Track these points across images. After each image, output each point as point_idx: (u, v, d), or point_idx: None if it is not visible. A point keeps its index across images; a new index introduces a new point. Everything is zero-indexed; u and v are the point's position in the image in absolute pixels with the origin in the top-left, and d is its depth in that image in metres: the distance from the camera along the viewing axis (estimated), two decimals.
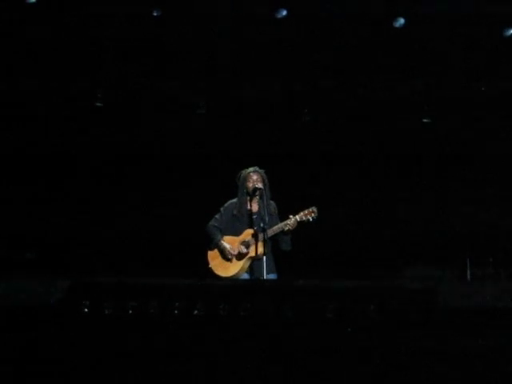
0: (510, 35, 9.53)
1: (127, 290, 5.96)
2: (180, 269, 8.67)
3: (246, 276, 7.40)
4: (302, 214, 7.34)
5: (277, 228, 7.33)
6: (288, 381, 5.67)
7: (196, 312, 5.86)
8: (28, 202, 10.52)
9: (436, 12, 9.40)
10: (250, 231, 7.38)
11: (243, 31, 9.70)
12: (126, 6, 9.54)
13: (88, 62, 10.06)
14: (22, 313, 5.94)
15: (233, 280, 7.24)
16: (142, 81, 10.42)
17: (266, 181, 7.51)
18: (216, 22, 9.67)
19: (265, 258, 7.19)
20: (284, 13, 9.39)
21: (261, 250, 7.21)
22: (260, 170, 7.55)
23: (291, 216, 7.33)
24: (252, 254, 7.31)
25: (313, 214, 7.32)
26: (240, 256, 7.40)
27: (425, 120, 10.67)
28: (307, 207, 7.34)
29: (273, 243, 7.43)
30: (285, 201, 7.63)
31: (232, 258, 7.40)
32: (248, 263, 7.39)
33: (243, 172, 7.57)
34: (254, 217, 7.45)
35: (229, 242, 7.44)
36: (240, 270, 7.37)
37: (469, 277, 9.75)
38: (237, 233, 7.48)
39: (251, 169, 7.55)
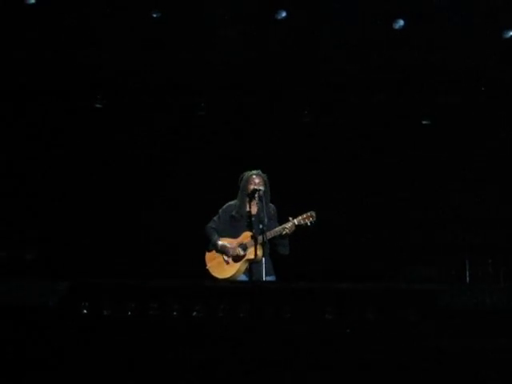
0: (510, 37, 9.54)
1: (126, 291, 5.96)
2: (179, 270, 8.68)
3: (243, 278, 7.40)
4: (300, 217, 7.33)
5: (275, 231, 7.33)
6: (287, 382, 5.66)
7: (195, 313, 5.86)
8: (27, 203, 10.51)
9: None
10: (249, 234, 7.38)
11: (244, 31, 9.70)
12: (126, 7, 9.55)
13: (87, 63, 10.06)
14: (20, 314, 5.94)
15: (232, 282, 7.23)
16: (143, 81, 10.42)
17: (268, 184, 7.50)
18: (216, 22, 9.67)
19: (264, 260, 7.20)
20: (284, 14, 9.40)
21: (259, 252, 7.22)
22: (263, 174, 7.55)
23: (290, 219, 7.33)
24: (250, 256, 7.31)
25: (311, 219, 7.31)
26: (237, 258, 7.40)
27: (424, 122, 10.68)
28: (305, 211, 7.34)
29: (271, 246, 7.43)
30: (285, 203, 7.63)
31: (229, 259, 7.40)
32: (245, 265, 7.38)
33: (245, 174, 7.58)
34: (253, 219, 7.44)
35: (226, 244, 7.44)
36: (236, 272, 7.37)
37: (468, 277, 9.76)
38: (235, 235, 7.49)
39: (254, 171, 7.56)
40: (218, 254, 7.46)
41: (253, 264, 7.33)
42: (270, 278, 7.33)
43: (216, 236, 7.47)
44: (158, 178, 10.72)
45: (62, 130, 10.63)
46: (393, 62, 10.03)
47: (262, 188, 7.40)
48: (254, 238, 7.29)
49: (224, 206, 7.63)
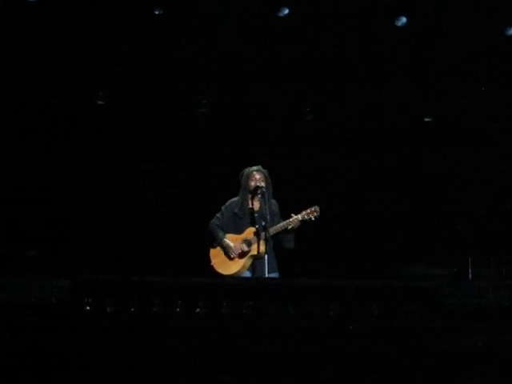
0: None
1: (129, 287, 5.95)
2: (182, 266, 8.68)
3: (247, 274, 7.39)
4: (304, 213, 7.34)
5: (279, 227, 7.32)
6: (290, 379, 5.66)
7: (198, 310, 5.85)
8: (29, 200, 10.51)
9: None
10: (253, 229, 7.36)
11: (245, 29, 9.69)
12: (127, 3, 9.55)
13: (89, 61, 10.06)
14: (23, 311, 5.94)
15: (235, 278, 7.22)
16: (144, 79, 10.42)
17: (269, 180, 7.50)
18: (218, 20, 9.66)
19: (266, 256, 7.19)
20: (286, 11, 9.40)
21: (262, 248, 7.22)
22: (263, 170, 7.54)
23: (293, 215, 7.33)
24: (254, 252, 7.30)
25: (315, 213, 7.32)
26: (242, 254, 7.40)
27: (426, 119, 10.67)
28: (309, 206, 7.34)
29: (275, 242, 7.43)
30: (287, 200, 7.63)
31: (234, 256, 7.40)
32: (249, 262, 7.38)
33: (246, 170, 7.56)
34: (256, 215, 7.44)
35: (231, 240, 7.44)
36: (241, 269, 7.36)
37: (470, 276, 9.76)
38: (238, 231, 7.47)
39: (254, 167, 7.54)
40: (222, 251, 7.45)
41: (256, 261, 7.33)
42: (273, 275, 7.32)
43: (221, 233, 7.47)
44: (160, 174, 10.71)
45: (63, 127, 10.62)
46: (395, 59, 10.02)
47: (263, 184, 7.39)
48: (257, 233, 7.27)
49: (227, 203, 7.62)
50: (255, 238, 7.30)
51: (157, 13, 9.50)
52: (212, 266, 7.43)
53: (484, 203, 10.63)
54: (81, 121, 10.61)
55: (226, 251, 7.41)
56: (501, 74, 10.18)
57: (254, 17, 9.65)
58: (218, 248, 7.47)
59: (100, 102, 10.46)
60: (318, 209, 7.34)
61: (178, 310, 5.86)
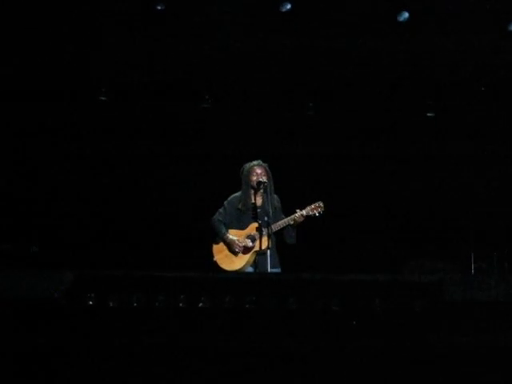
0: None
1: (132, 282, 5.96)
2: (185, 262, 8.68)
3: (249, 270, 7.40)
4: (308, 208, 7.34)
5: (283, 222, 7.33)
6: (292, 373, 5.66)
7: (201, 305, 5.86)
8: (31, 195, 10.52)
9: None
10: (256, 225, 7.37)
11: (248, 23, 9.68)
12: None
13: (91, 56, 10.05)
14: (26, 306, 5.94)
15: (238, 273, 7.24)
16: (147, 73, 10.41)
17: (270, 174, 7.50)
18: (219, 15, 9.65)
19: (269, 252, 7.21)
20: (288, 6, 9.38)
21: (265, 244, 7.22)
22: (264, 164, 7.54)
23: (298, 210, 7.33)
24: (257, 248, 7.30)
25: (319, 209, 7.33)
26: (246, 250, 7.39)
27: (429, 114, 10.65)
28: (313, 202, 7.34)
29: (277, 237, 7.43)
30: (289, 195, 7.62)
31: (239, 251, 7.39)
32: (253, 257, 7.38)
33: (247, 165, 7.56)
34: (259, 210, 7.44)
35: (235, 236, 7.44)
36: (246, 264, 7.37)
37: (473, 270, 9.75)
38: (241, 226, 7.48)
39: (255, 162, 7.54)
40: (225, 247, 7.45)
41: (258, 256, 7.34)
42: (275, 271, 7.32)
43: (224, 229, 7.46)
44: (162, 169, 10.71)
45: (66, 123, 10.61)
46: (397, 54, 10.00)
47: (264, 178, 7.40)
48: (259, 229, 7.26)
49: (229, 198, 7.62)
50: (258, 234, 7.29)
51: (159, 8, 9.48)
52: (215, 262, 7.43)
53: (487, 198, 10.61)
54: (83, 116, 10.59)
55: (231, 246, 7.40)
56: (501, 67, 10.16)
57: (257, 11, 9.63)
58: (221, 243, 7.47)
59: (102, 98, 10.45)
60: (321, 204, 7.34)
61: (180, 304, 5.86)
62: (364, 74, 10.36)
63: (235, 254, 7.40)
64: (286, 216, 7.39)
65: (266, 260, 7.18)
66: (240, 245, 7.37)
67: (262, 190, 7.43)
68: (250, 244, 7.37)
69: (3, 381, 5.53)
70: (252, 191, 7.49)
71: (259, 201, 7.51)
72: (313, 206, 7.34)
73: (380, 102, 10.64)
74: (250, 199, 7.48)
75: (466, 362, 5.76)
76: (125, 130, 10.73)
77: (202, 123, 10.66)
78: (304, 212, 7.31)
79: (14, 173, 10.54)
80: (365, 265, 9.58)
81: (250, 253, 7.38)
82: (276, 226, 7.28)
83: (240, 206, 7.50)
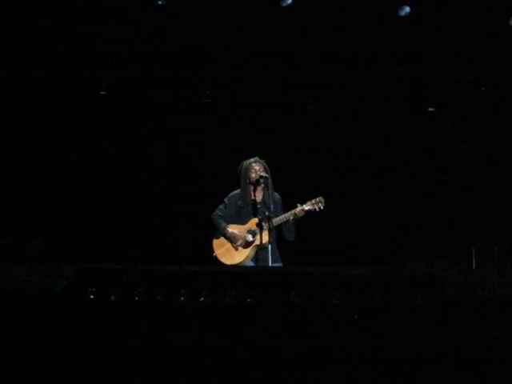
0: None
1: (133, 276, 5.95)
2: (186, 257, 8.68)
3: (251, 264, 7.40)
4: (309, 203, 7.33)
5: (283, 217, 7.32)
6: (294, 368, 5.66)
7: (202, 299, 5.85)
8: (32, 190, 10.51)
9: None
10: (256, 220, 7.36)
11: (249, 19, 9.67)
12: None
13: (92, 50, 10.05)
14: (27, 300, 5.94)
15: (240, 267, 7.23)
16: (147, 70, 10.41)
17: (268, 170, 7.50)
18: (220, 10, 9.64)
19: (270, 246, 7.20)
20: (289, 1, 9.37)
21: (266, 238, 7.22)
22: (261, 160, 7.55)
23: (298, 205, 7.32)
24: (258, 242, 7.30)
25: (320, 204, 7.31)
26: (246, 244, 7.39)
27: (430, 109, 10.64)
28: (314, 197, 7.34)
29: (278, 232, 7.43)
30: (289, 191, 7.62)
31: (239, 245, 7.39)
32: (254, 251, 7.38)
33: (245, 163, 7.57)
34: (259, 206, 7.44)
35: (235, 231, 7.44)
36: (246, 258, 7.37)
37: (474, 266, 9.75)
38: (242, 222, 7.48)
39: (253, 159, 7.56)
40: (226, 241, 7.45)
41: (259, 251, 7.34)
42: (276, 265, 7.32)
43: (224, 223, 7.47)
44: (164, 164, 10.71)
45: (66, 118, 10.61)
46: (397, 49, 10.00)
47: (265, 174, 7.39)
48: (260, 223, 7.26)
49: (229, 195, 7.63)
50: (259, 228, 7.29)
51: (160, 3, 9.46)
52: (215, 257, 7.43)
53: (488, 193, 10.61)
54: (83, 111, 10.59)
55: (232, 240, 7.41)
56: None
57: (258, 7, 9.62)
58: (221, 238, 7.47)
59: (103, 93, 10.44)
60: (322, 199, 7.33)
61: (182, 298, 5.86)
62: (365, 69, 10.37)
63: (235, 248, 7.40)
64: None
65: (268, 255, 7.17)
66: (240, 239, 7.37)
67: (262, 185, 7.43)
68: (251, 238, 7.37)
69: (4, 375, 5.52)
70: (251, 187, 7.48)
71: (259, 196, 7.51)
72: (313, 201, 7.32)
73: (381, 98, 10.65)
74: (250, 196, 7.48)
75: (467, 356, 5.74)
76: (125, 124, 10.72)
77: (203, 118, 10.66)
78: (305, 206, 7.30)
79: (15, 167, 10.53)
80: (366, 259, 9.58)
81: (251, 247, 7.38)
82: (276, 221, 7.27)
83: (240, 203, 7.50)
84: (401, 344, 5.78)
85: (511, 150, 10.68)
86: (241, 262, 7.35)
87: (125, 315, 5.85)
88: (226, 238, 7.44)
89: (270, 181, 7.42)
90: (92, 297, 5.87)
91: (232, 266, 7.29)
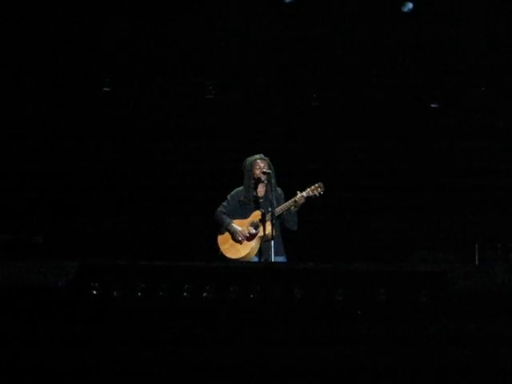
0: None
1: (136, 272, 5.95)
2: (190, 251, 8.70)
3: (255, 259, 7.43)
4: (308, 189, 7.38)
5: (284, 206, 7.37)
6: (297, 363, 5.66)
7: (205, 294, 5.85)
8: (34, 186, 10.51)
9: None
10: (258, 213, 7.43)
11: (251, 15, 9.67)
12: None
13: (94, 46, 10.05)
14: (30, 295, 5.94)
15: (243, 262, 7.26)
16: (149, 67, 10.40)
17: (272, 168, 7.53)
18: (223, 7, 9.65)
19: (272, 241, 7.22)
20: None
21: (269, 229, 7.26)
22: (266, 158, 7.57)
23: (298, 192, 7.35)
24: (261, 233, 7.36)
25: (319, 189, 7.36)
26: (250, 237, 7.41)
27: (433, 105, 10.63)
28: (313, 183, 7.36)
29: (281, 225, 7.45)
30: (291, 186, 7.63)
31: (243, 239, 7.40)
32: (258, 244, 7.42)
33: (249, 159, 7.61)
34: (261, 201, 7.48)
35: (238, 225, 7.48)
36: (251, 251, 7.40)
37: (477, 261, 9.74)
38: (245, 217, 7.53)
39: (257, 156, 7.60)
40: (230, 236, 7.48)
41: (263, 244, 7.39)
42: (279, 259, 7.38)
43: (228, 219, 7.52)
44: (166, 161, 10.71)
45: (69, 113, 10.61)
46: (401, 44, 10.00)
47: (267, 170, 7.43)
48: (262, 215, 7.32)
49: (232, 192, 7.68)
50: (261, 221, 7.32)
51: None
52: (221, 253, 7.46)
53: (490, 189, 10.60)
54: (86, 107, 10.59)
55: (234, 235, 7.43)
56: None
57: (260, 3, 9.62)
58: (226, 234, 7.51)
59: (106, 89, 10.43)
60: (322, 185, 7.37)
61: (184, 294, 5.86)
62: (366, 66, 10.37)
63: (239, 242, 7.41)
64: None
65: (271, 248, 7.20)
66: (243, 232, 7.40)
67: (265, 181, 7.46)
68: (254, 231, 7.41)
69: (5, 370, 5.53)
70: (254, 184, 7.52)
71: (262, 192, 7.58)
72: (313, 187, 7.37)
73: (382, 93, 10.64)
74: (252, 192, 7.53)
75: (470, 351, 5.74)
76: (127, 120, 10.71)
77: (206, 114, 10.65)
78: (304, 193, 7.35)
79: (17, 163, 10.54)
80: (370, 255, 9.58)
81: (255, 239, 7.41)
82: (278, 211, 7.33)
83: (242, 199, 7.54)
84: (404, 339, 5.78)
85: None
86: (246, 255, 7.38)
87: (127, 311, 5.85)
88: (231, 232, 7.47)
89: (272, 176, 7.43)
90: (95, 292, 5.87)
91: (235, 261, 7.33)
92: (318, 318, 5.82)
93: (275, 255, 7.21)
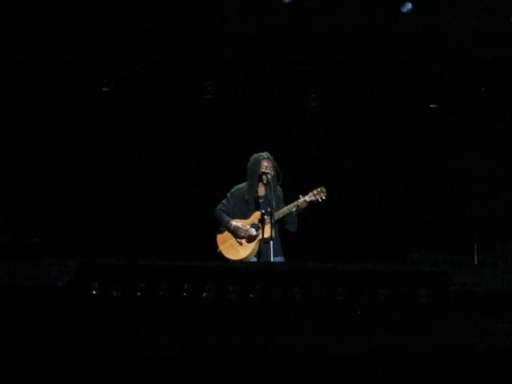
0: None
1: (136, 271, 5.95)
2: (189, 251, 8.68)
3: (253, 259, 7.39)
4: (311, 194, 7.33)
5: (286, 209, 7.33)
6: (297, 363, 5.65)
7: (205, 294, 5.85)
8: (33, 186, 10.50)
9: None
10: (259, 214, 7.37)
11: (251, 13, 9.66)
12: None
13: (93, 46, 10.04)
14: (30, 295, 5.93)
15: (242, 262, 7.22)
16: (149, 64, 10.40)
17: (277, 167, 7.50)
18: (222, 6, 9.64)
19: (272, 241, 7.19)
20: None
21: (268, 232, 7.21)
22: (271, 157, 7.54)
23: (300, 196, 7.32)
24: (261, 236, 7.30)
25: (322, 194, 7.31)
26: (250, 239, 7.39)
27: (432, 106, 10.63)
28: (316, 187, 7.33)
29: (280, 226, 7.42)
30: (293, 185, 7.62)
31: (243, 237, 7.38)
32: (258, 246, 7.37)
33: (254, 157, 7.57)
34: (261, 201, 7.45)
35: (238, 223, 7.44)
36: (250, 253, 7.36)
37: (476, 262, 9.74)
38: (245, 217, 7.48)
39: (263, 154, 7.55)
40: (230, 236, 7.44)
41: (262, 245, 7.34)
42: (278, 259, 7.34)
43: (227, 217, 7.47)
44: (166, 160, 10.70)
45: (68, 114, 10.60)
46: (400, 44, 9.99)
47: (269, 171, 7.40)
48: (261, 217, 7.27)
49: (233, 189, 7.63)
50: (261, 223, 7.30)
51: None
52: (220, 252, 7.42)
53: (490, 189, 10.60)
54: (86, 107, 10.58)
55: (235, 233, 7.40)
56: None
57: (260, 1, 9.61)
58: (225, 233, 7.46)
59: (105, 89, 10.43)
60: (324, 189, 7.32)
61: (184, 294, 5.85)
62: (367, 65, 10.37)
63: (240, 243, 7.39)
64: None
65: (270, 249, 7.17)
66: (244, 234, 7.36)
67: (264, 181, 7.43)
68: (254, 233, 7.36)
69: (4, 370, 5.52)
70: (257, 182, 7.49)
71: (262, 192, 7.52)
72: (315, 192, 7.33)
73: (383, 91, 10.64)
74: (255, 190, 7.49)
75: (470, 350, 5.73)
76: (127, 120, 10.71)
77: (204, 114, 10.65)
78: (307, 198, 7.30)
79: (17, 162, 10.53)
80: (370, 255, 9.57)
81: (255, 242, 7.37)
82: (279, 214, 7.28)
83: (246, 197, 7.49)
84: (404, 339, 5.77)
85: None
86: (246, 257, 7.33)
87: (127, 310, 5.84)
88: (230, 231, 7.42)
89: (275, 177, 7.42)
90: (94, 292, 5.87)
91: (236, 261, 7.29)
92: (318, 317, 5.82)
93: (273, 256, 7.15)
